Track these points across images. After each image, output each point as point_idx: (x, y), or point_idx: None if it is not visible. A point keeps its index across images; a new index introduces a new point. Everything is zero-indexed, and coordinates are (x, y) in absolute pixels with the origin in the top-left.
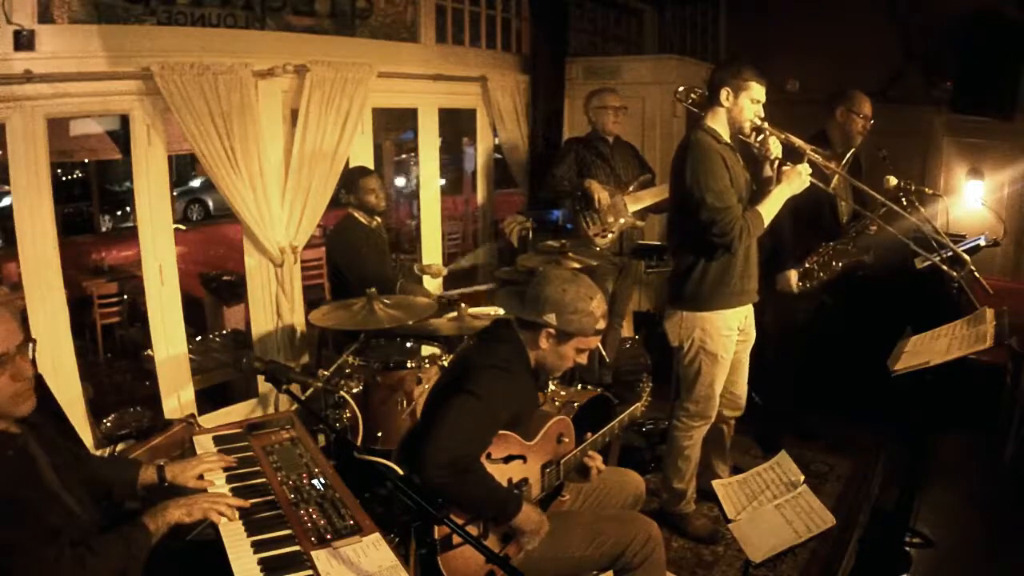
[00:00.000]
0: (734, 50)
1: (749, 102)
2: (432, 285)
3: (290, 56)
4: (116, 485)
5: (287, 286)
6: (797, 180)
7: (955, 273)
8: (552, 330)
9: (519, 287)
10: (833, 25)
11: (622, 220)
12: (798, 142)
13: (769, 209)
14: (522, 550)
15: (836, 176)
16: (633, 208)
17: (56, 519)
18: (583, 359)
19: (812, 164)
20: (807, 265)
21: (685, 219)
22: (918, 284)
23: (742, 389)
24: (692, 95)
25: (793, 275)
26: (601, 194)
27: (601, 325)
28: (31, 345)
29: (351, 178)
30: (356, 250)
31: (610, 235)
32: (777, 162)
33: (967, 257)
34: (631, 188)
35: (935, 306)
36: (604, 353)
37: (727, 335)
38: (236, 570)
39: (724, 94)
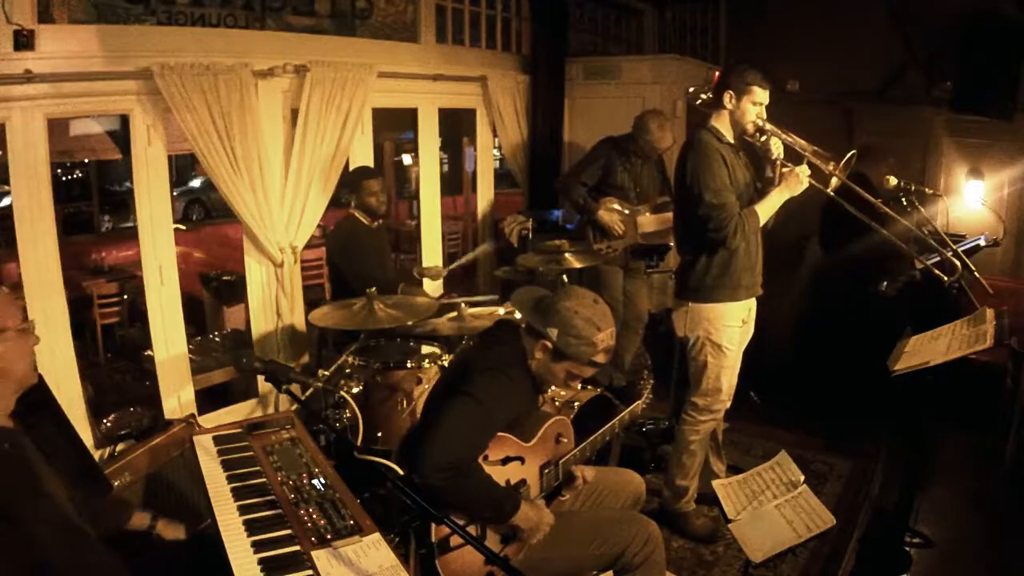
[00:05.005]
0: (737, 52)
1: (751, 105)
2: (432, 287)
3: (290, 56)
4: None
5: (287, 286)
6: (795, 182)
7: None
8: (549, 344)
9: (543, 288)
10: (833, 25)
11: (629, 241)
12: (800, 143)
13: (765, 210)
14: (522, 550)
15: (836, 178)
16: (644, 230)
17: (43, 526)
18: (574, 385)
19: (812, 166)
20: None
21: (687, 215)
22: (918, 284)
23: (733, 380)
24: (701, 96)
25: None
26: (617, 227)
27: (600, 359)
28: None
29: (353, 179)
30: (356, 251)
31: (615, 252)
32: (779, 163)
33: (963, 261)
34: (648, 209)
35: (935, 306)
36: (623, 358)
37: (731, 326)
38: (236, 570)
39: (727, 97)
